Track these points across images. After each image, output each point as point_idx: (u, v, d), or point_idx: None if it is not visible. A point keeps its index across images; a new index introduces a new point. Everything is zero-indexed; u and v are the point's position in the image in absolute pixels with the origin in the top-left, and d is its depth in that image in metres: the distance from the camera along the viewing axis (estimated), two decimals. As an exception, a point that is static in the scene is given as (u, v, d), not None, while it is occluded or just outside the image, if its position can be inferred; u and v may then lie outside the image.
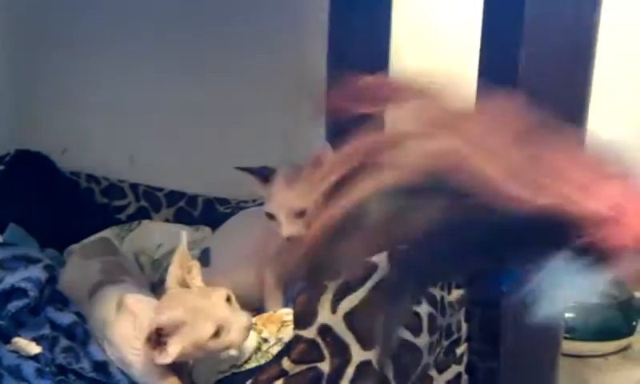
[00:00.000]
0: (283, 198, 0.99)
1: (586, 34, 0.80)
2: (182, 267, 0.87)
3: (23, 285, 0.86)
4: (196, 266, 0.90)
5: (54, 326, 0.89)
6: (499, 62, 0.87)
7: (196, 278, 0.89)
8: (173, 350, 0.81)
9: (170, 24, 1.54)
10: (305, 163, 1.01)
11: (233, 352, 0.89)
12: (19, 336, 0.87)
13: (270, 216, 1.00)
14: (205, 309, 0.83)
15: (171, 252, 1.27)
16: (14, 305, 0.86)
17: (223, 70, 1.58)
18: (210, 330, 0.81)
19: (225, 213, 1.53)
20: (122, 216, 1.49)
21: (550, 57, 0.81)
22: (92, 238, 1.30)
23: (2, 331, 0.87)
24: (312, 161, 0.99)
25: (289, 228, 0.98)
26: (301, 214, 0.99)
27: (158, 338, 0.81)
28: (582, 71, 0.81)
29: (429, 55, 1.67)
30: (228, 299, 0.85)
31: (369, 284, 0.85)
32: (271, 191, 1.00)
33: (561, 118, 0.79)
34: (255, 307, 1.05)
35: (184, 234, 0.92)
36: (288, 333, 0.88)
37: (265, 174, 1.03)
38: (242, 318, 0.84)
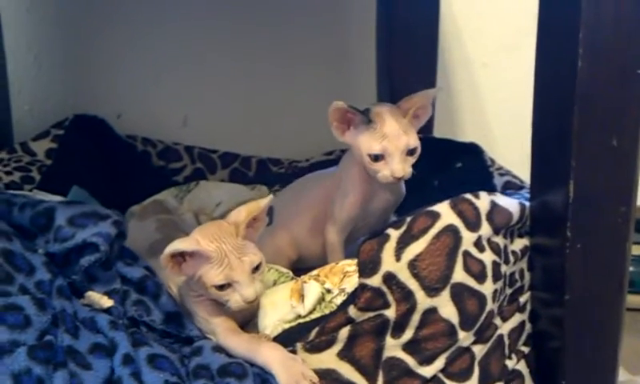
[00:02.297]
0: (398, 137, 0.99)
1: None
2: (249, 214, 0.88)
3: (94, 239, 0.87)
4: (263, 224, 0.91)
5: (125, 280, 0.91)
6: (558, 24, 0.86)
7: (254, 232, 0.90)
8: (184, 271, 0.87)
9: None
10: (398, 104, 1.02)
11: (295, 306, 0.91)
12: (92, 290, 0.90)
13: (376, 157, 0.99)
14: (229, 261, 0.85)
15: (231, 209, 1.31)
16: (87, 259, 0.88)
17: (277, 33, 1.59)
18: (218, 280, 0.85)
19: (278, 173, 1.55)
20: (179, 178, 1.52)
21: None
22: (146, 201, 1.33)
23: (75, 285, 0.89)
24: (405, 101, 1.01)
25: (401, 167, 0.99)
26: (411, 152, 1.00)
27: (181, 255, 0.86)
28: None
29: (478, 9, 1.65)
30: (257, 267, 0.87)
31: (432, 232, 0.86)
32: (382, 131, 0.99)
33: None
34: (318, 263, 1.06)
35: (270, 196, 0.93)
36: (350, 283, 0.89)
37: (365, 114, 1.02)
38: (250, 290, 0.86)
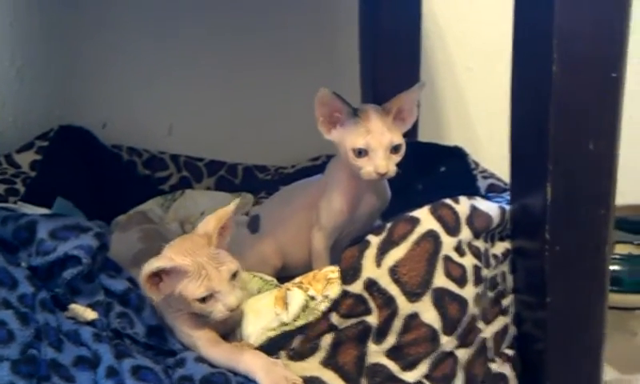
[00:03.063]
0: (382, 133, 0.99)
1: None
2: (219, 222, 0.89)
3: (76, 252, 0.87)
4: (231, 231, 0.92)
5: (108, 292, 0.91)
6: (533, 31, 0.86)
7: (223, 240, 0.90)
8: (163, 290, 0.86)
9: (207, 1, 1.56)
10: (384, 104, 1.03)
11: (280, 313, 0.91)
12: (75, 303, 0.90)
13: (360, 152, 0.99)
14: (207, 272, 0.85)
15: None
16: (69, 272, 0.87)
17: (261, 39, 1.59)
18: (199, 293, 0.85)
19: (265, 179, 1.55)
20: (165, 187, 1.52)
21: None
22: (131, 211, 1.33)
23: (58, 298, 0.89)
24: (389, 102, 1.02)
25: (385, 163, 0.98)
26: (395, 149, 1.00)
27: (158, 274, 0.86)
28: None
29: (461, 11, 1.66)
30: (235, 275, 0.87)
31: (412, 237, 0.86)
32: (367, 127, 0.99)
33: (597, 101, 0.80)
34: (303, 270, 1.06)
35: (236, 201, 0.93)
36: (334, 290, 0.89)
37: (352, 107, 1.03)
38: (232, 298, 0.85)
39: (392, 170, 1.00)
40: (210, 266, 0.85)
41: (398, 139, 1.00)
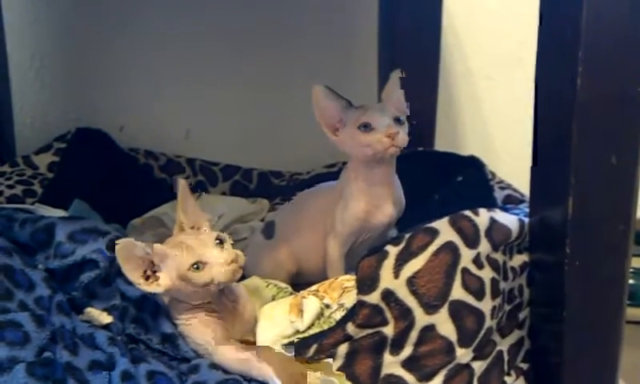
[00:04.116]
0: (382, 107, 1.01)
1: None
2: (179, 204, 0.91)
3: (94, 256, 0.88)
4: (205, 223, 0.93)
5: (124, 297, 0.91)
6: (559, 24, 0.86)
7: (188, 204, 0.92)
8: (162, 281, 0.86)
9: (223, 3, 1.56)
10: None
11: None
12: (91, 306, 0.90)
13: (365, 126, 0.99)
14: (189, 245, 0.86)
15: (233, 222, 1.31)
16: (86, 276, 0.88)
17: (278, 45, 1.59)
18: (189, 260, 0.85)
19: (279, 185, 1.55)
20: (181, 190, 1.52)
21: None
22: (146, 215, 1.33)
23: (74, 302, 0.90)
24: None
25: (394, 129, 0.98)
26: (399, 121, 1.00)
27: (152, 273, 0.86)
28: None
29: (481, 22, 1.65)
30: (221, 242, 0.87)
31: (431, 248, 0.86)
32: (366, 107, 1.01)
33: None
34: (318, 277, 1.06)
35: (182, 181, 0.94)
36: (349, 298, 0.89)
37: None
38: (223, 254, 0.86)
39: (402, 136, 0.99)
40: (190, 239, 0.87)
41: (399, 112, 1.01)
